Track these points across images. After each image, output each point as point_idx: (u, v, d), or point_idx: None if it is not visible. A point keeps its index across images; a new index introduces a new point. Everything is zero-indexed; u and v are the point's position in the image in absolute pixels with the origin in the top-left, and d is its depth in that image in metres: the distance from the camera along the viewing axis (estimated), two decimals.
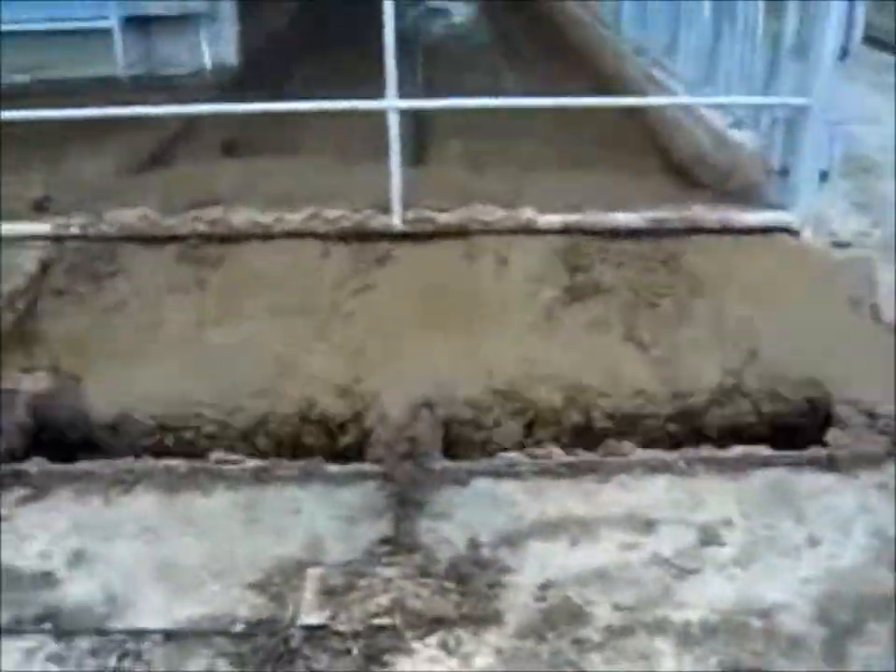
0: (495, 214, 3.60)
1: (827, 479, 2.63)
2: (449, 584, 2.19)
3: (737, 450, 2.72)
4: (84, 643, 2.08)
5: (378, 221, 3.62)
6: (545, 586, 2.21)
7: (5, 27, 6.58)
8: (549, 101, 3.64)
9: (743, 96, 4.11)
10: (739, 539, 2.39)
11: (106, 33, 6.58)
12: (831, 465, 2.66)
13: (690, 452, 2.71)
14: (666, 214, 3.63)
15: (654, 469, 2.65)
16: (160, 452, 2.84)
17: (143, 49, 6.91)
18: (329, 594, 2.15)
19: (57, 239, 3.71)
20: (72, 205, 3.94)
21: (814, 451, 2.73)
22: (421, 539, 2.37)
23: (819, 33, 3.33)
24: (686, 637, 2.06)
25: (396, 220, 3.63)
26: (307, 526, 2.46)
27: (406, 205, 3.66)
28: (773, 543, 2.37)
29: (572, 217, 3.64)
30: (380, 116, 3.56)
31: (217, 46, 7.00)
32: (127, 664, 2.02)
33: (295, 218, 3.62)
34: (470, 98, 3.75)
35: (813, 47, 3.38)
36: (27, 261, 3.55)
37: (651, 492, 2.57)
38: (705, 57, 4.77)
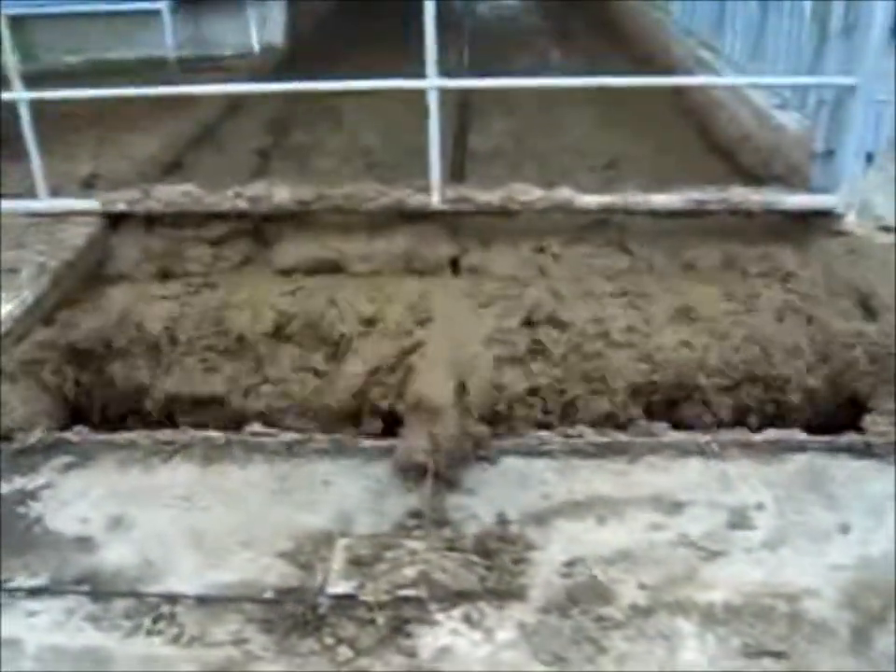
0: (533, 193, 3.59)
1: (862, 465, 2.59)
2: (475, 559, 2.21)
3: (771, 433, 2.69)
4: (119, 605, 2.15)
5: (417, 200, 3.63)
6: (571, 563, 2.22)
7: (57, 9, 6.74)
8: (590, 80, 3.60)
9: (789, 76, 4.03)
10: (769, 523, 2.37)
11: (157, 14, 6.69)
12: (867, 451, 2.62)
13: (722, 434, 2.69)
14: (707, 195, 3.59)
15: (685, 451, 2.63)
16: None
17: (192, 30, 7.02)
18: (356, 564, 2.19)
19: (105, 215, 3.79)
20: (120, 182, 4.03)
21: (850, 436, 2.69)
22: (449, 515, 2.40)
23: (868, 11, 3.25)
24: (709, 618, 2.06)
25: (435, 199, 3.64)
26: (337, 499, 2.50)
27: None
28: (803, 528, 2.35)
29: (610, 198, 3.61)
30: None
31: (265, 28, 7.08)
32: (161, 626, 2.08)
33: (335, 195, 3.65)
34: (513, 78, 3.73)
35: (861, 25, 3.30)
36: (76, 237, 3.63)
37: (681, 474, 2.56)
38: (751, 37, 4.69)
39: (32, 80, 3.84)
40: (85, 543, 2.37)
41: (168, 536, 2.39)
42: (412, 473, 2.48)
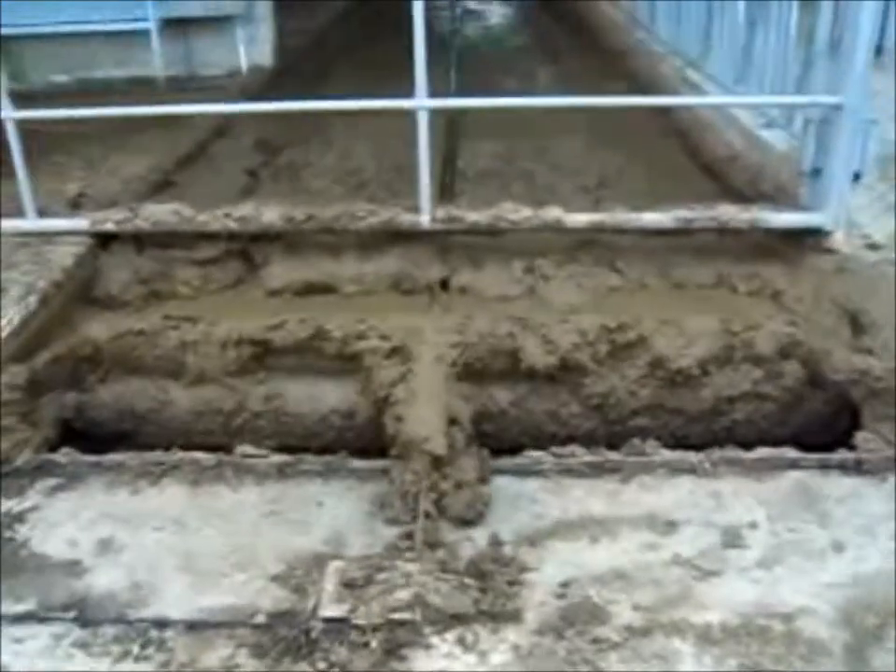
0: (522, 213, 3.59)
1: (854, 483, 2.60)
2: (469, 581, 2.19)
3: (763, 451, 2.69)
4: (108, 631, 2.12)
5: (407, 219, 3.63)
6: (565, 584, 2.21)
7: (44, 28, 6.74)
8: (579, 100, 3.62)
9: (775, 96, 4.07)
10: (763, 541, 2.37)
11: (145, 34, 6.69)
12: (858, 468, 2.63)
13: (714, 453, 2.69)
14: (696, 214, 3.60)
15: (677, 469, 2.63)
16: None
17: (180, 50, 7.03)
18: (349, 587, 2.17)
19: (93, 235, 3.77)
20: (108, 202, 4.01)
21: (842, 454, 2.69)
22: (442, 536, 2.38)
23: (853, 29, 3.27)
24: (705, 639, 2.05)
25: (425, 218, 3.64)
26: (330, 520, 2.48)
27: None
28: (797, 547, 2.35)
29: (599, 217, 3.62)
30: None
31: (254, 47, 7.09)
32: (149, 651, 2.05)
33: (325, 215, 3.64)
34: (501, 98, 3.75)
35: (846, 44, 3.33)
36: (64, 257, 3.60)
37: (674, 493, 2.56)
38: (738, 57, 4.73)
39: (19, 100, 3.83)
40: (73, 567, 2.35)
41: (158, 559, 2.36)
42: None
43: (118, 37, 6.84)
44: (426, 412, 2.66)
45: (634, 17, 7.83)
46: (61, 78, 7.07)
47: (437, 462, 2.52)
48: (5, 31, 6.39)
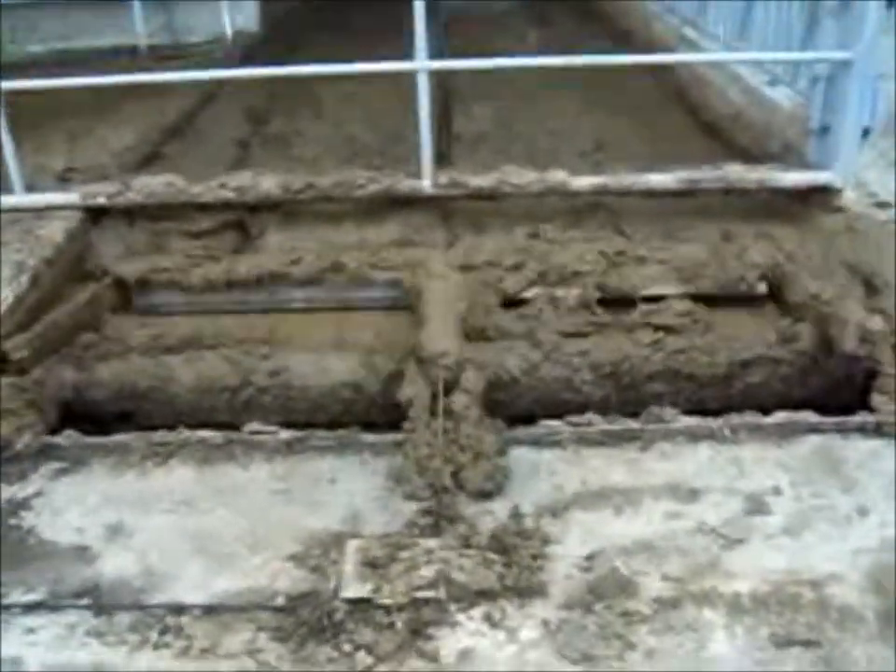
0: (526, 176, 3.51)
1: (874, 446, 2.56)
2: (493, 556, 2.14)
3: (782, 416, 2.65)
4: (124, 618, 2.06)
5: (408, 185, 3.54)
6: (591, 557, 2.17)
7: None
8: (575, 59, 3.51)
9: (781, 52, 3.98)
10: (787, 508, 2.33)
11: (125, 2, 6.49)
12: (878, 431, 2.59)
13: (733, 418, 2.64)
14: (702, 174, 3.53)
15: (696, 436, 2.59)
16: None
17: (163, 17, 6.84)
18: (371, 566, 2.11)
19: (84, 209, 3.66)
20: (97, 175, 3.89)
21: (861, 417, 2.65)
22: (462, 510, 2.33)
23: None
24: (736, 608, 2.01)
25: (426, 184, 3.55)
26: (345, 497, 2.42)
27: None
28: (821, 512, 2.31)
29: (604, 180, 3.54)
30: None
31: (238, 13, 6.91)
32: (168, 638, 1.99)
33: (324, 183, 3.55)
34: (498, 58, 3.64)
35: None
36: (55, 233, 3.50)
37: (694, 460, 2.51)
38: (738, 14, 4.62)
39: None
40: (82, 553, 2.28)
41: (169, 542, 2.30)
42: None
43: (97, 6, 6.66)
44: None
45: None
46: (38, 49, 6.88)
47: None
48: None
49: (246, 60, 6.21)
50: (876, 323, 2.89)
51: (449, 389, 2.61)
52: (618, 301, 3.26)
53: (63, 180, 3.96)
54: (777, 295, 3.33)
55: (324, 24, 7.95)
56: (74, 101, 5.01)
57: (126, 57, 6.55)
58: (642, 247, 3.42)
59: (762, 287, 3.35)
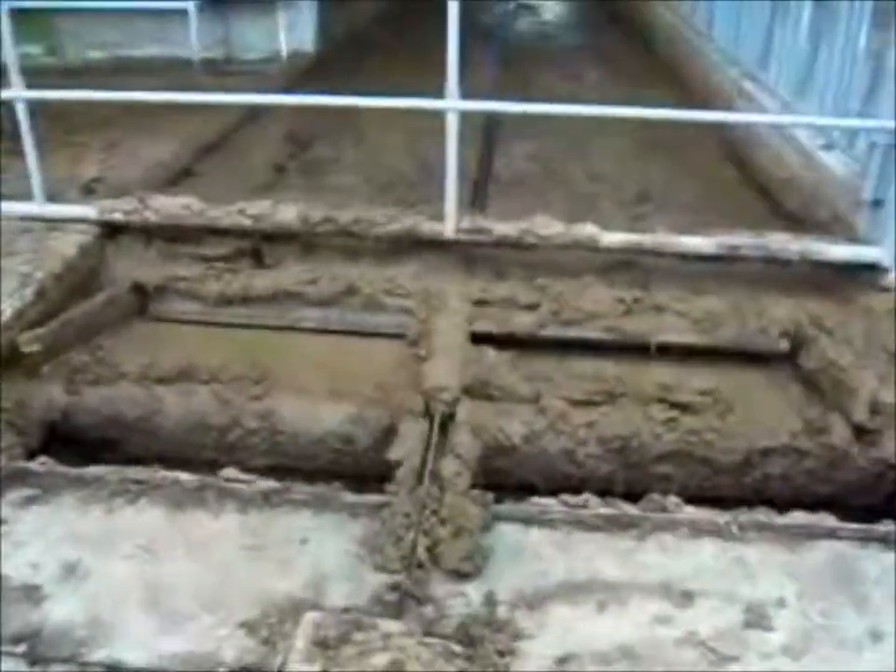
0: (554, 227, 3.34)
1: None
2: (455, 648, 1.96)
3: (797, 516, 2.42)
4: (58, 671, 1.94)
5: (429, 228, 3.40)
6: (563, 660, 1.98)
7: (85, 4, 6.60)
8: (619, 111, 3.36)
9: (839, 116, 3.76)
10: (791, 623, 2.11)
11: (184, 14, 6.52)
12: None
13: (743, 514, 2.43)
14: (742, 240, 3.33)
15: (701, 530, 2.38)
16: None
17: (220, 31, 6.85)
18: (322, 645, 1.95)
19: (101, 224, 3.60)
20: (123, 189, 3.84)
21: (885, 525, 2.42)
22: (433, 589, 2.16)
23: None
24: None
25: (449, 228, 3.41)
26: (313, 561, 2.27)
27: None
28: (829, 633, 2.09)
29: (637, 238, 3.36)
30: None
31: (295, 32, 6.90)
32: None
33: (344, 218, 3.43)
34: (537, 103, 3.49)
35: None
36: (67, 246, 3.44)
37: (695, 557, 2.30)
38: (800, 71, 4.41)
39: (54, 75, 3.66)
40: (31, 593, 2.16)
41: (123, 591, 2.17)
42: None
43: (157, 16, 6.68)
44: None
45: (691, 21, 7.49)
46: (97, 55, 6.93)
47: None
48: (42, 4, 6.27)
49: (299, 80, 6.17)
50: (888, 395, 2.74)
51: (445, 424, 2.58)
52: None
53: (89, 192, 3.91)
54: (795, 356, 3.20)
55: (381, 47, 7.91)
56: (119, 109, 5.00)
57: (180, 68, 6.56)
58: (661, 296, 3.31)
59: (783, 345, 3.21)
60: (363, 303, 3.43)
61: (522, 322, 3.30)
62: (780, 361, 3.24)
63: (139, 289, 3.50)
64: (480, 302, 3.34)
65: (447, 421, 2.64)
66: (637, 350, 3.28)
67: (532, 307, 3.32)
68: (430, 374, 2.80)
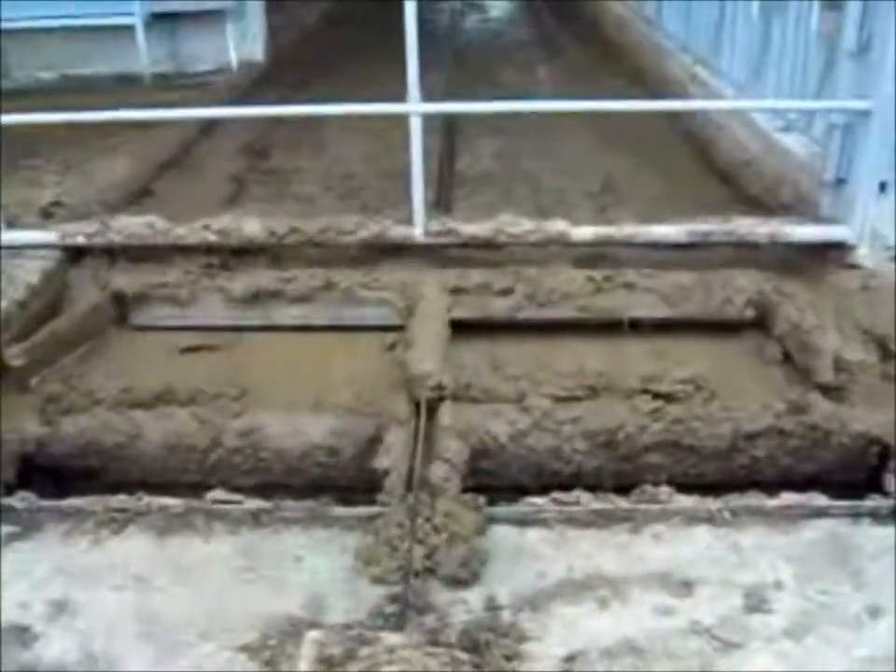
0: (523, 226, 3.34)
1: (889, 534, 2.34)
2: (462, 655, 1.94)
3: (788, 498, 2.44)
4: None
5: (398, 232, 3.38)
6: (570, 658, 1.97)
7: (30, 24, 6.49)
8: (582, 104, 3.37)
9: (795, 99, 3.80)
10: (791, 605, 2.12)
11: (131, 29, 6.43)
12: (893, 517, 2.38)
13: (734, 499, 2.44)
14: (711, 227, 3.35)
15: (694, 518, 2.38)
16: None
17: (169, 45, 6.76)
18: (327, 663, 1.92)
19: (63, 249, 3.52)
20: (82, 211, 3.77)
21: (874, 500, 2.44)
22: (433, 598, 2.14)
23: (884, 31, 3.02)
24: None
25: (418, 231, 3.39)
26: (309, 579, 2.23)
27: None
28: (829, 612, 2.10)
29: (607, 230, 3.37)
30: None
31: (244, 43, 6.83)
32: None
33: (310, 227, 3.39)
34: (498, 102, 3.49)
35: (876, 46, 3.07)
36: (30, 273, 3.36)
37: (691, 546, 2.31)
38: (753, 55, 4.46)
39: (2, 97, 3.57)
40: (22, 634, 2.10)
41: (117, 625, 2.12)
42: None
43: (104, 33, 6.58)
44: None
45: (639, 11, 7.54)
46: (46, 75, 6.82)
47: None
48: None
49: (250, 90, 6.11)
50: (854, 353, 2.81)
51: (432, 409, 2.65)
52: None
53: (48, 216, 3.83)
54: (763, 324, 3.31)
55: (332, 54, 7.86)
56: (72, 129, 4.90)
57: (131, 85, 6.47)
58: (630, 274, 3.38)
59: (749, 313, 3.31)
60: (341, 298, 3.42)
61: (498, 307, 3.36)
62: (749, 330, 3.36)
63: (119, 298, 3.48)
64: (456, 290, 3.38)
65: (435, 406, 2.70)
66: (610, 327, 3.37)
67: (507, 291, 3.37)
68: (413, 362, 2.85)
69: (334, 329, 3.46)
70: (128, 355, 3.35)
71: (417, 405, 2.71)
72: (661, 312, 3.35)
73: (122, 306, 3.48)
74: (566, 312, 3.35)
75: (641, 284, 3.39)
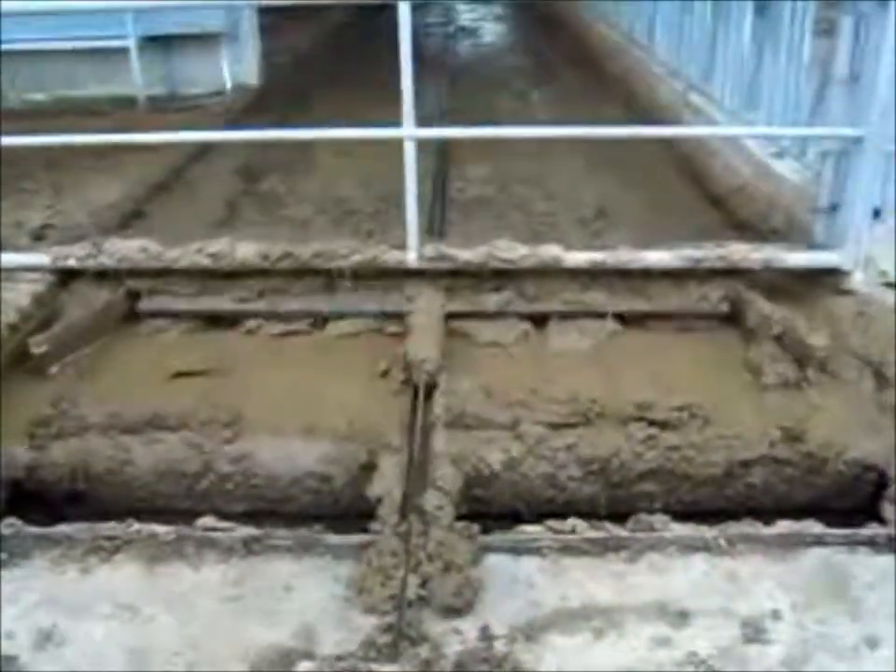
0: (517, 251, 3.33)
1: (886, 562, 2.33)
2: None
3: (784, 525, 2.42)
4: None
5: (392, 257, 3.37)
6: None
7: (24, 46, 6.50)
8: (575, 130, 3.38)
9: (788, 125, 3.83)
10: (788, 635, 2.10)
11: (126, 52, 6.44)
12: (890, 545, 2.36)
13: (730, 527, 2.42)
14: (704, 253, 3.35)
15: (689, 547, 2.36)
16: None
17: (163, 68, 6.78)
18: None
19: (54, 272, 3.50)
20: (74, 234, 3.75)
21: (871, 528, 2.43)
22: (427, 628, 2.11)
23: (874, 58, 3.04)
24: None
25: (412, 257, 3.38)
26: (300, 608, 2.20)
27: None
28: (826, 642, 2.08)
29: (600, 255, 3.37)
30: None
31: (238, 66, 6.86)
32: None
33: (304, 252, 3.38)
34: (492, 127, 3.50)
35: (867, 73, 3.09)
36: (21, 296, 3.34)
37: (687, 575, 2.29)
38: (746, 81, 4.49)
39: None
40: (8, 665, 2.06)
41: (103, 656, 2.08)
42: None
43: (98, 55, 6.60)
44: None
45: (631, 37, 7.60)
46: (39, 97, 6.82)
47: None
48: None
49: (245, 114, 6.12)
50: (820, 338, 2.94)
51: (429, 393, 2.86)
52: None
53: (39, 238, 3.82)
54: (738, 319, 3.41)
55: (326, 78, 7.89)
56: (65, 151, 4.90)
57: (125, 107, 6.47)
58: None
59: (723, 307, 3.42)
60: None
61: (491, 301, 3.46)
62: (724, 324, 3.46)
63: (131, 294, 3.55)
64: (450, 289, 3.47)
65: (431, 390, 2.89)
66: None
67: (498, 289, 3.48)
68: (412, 348, 3.04)
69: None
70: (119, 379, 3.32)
71: (416, 389, 2.89)
72: (642, 306, 3.46)
73: (133, 300, 3.55)
74: (554, 306, 3.47)
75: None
